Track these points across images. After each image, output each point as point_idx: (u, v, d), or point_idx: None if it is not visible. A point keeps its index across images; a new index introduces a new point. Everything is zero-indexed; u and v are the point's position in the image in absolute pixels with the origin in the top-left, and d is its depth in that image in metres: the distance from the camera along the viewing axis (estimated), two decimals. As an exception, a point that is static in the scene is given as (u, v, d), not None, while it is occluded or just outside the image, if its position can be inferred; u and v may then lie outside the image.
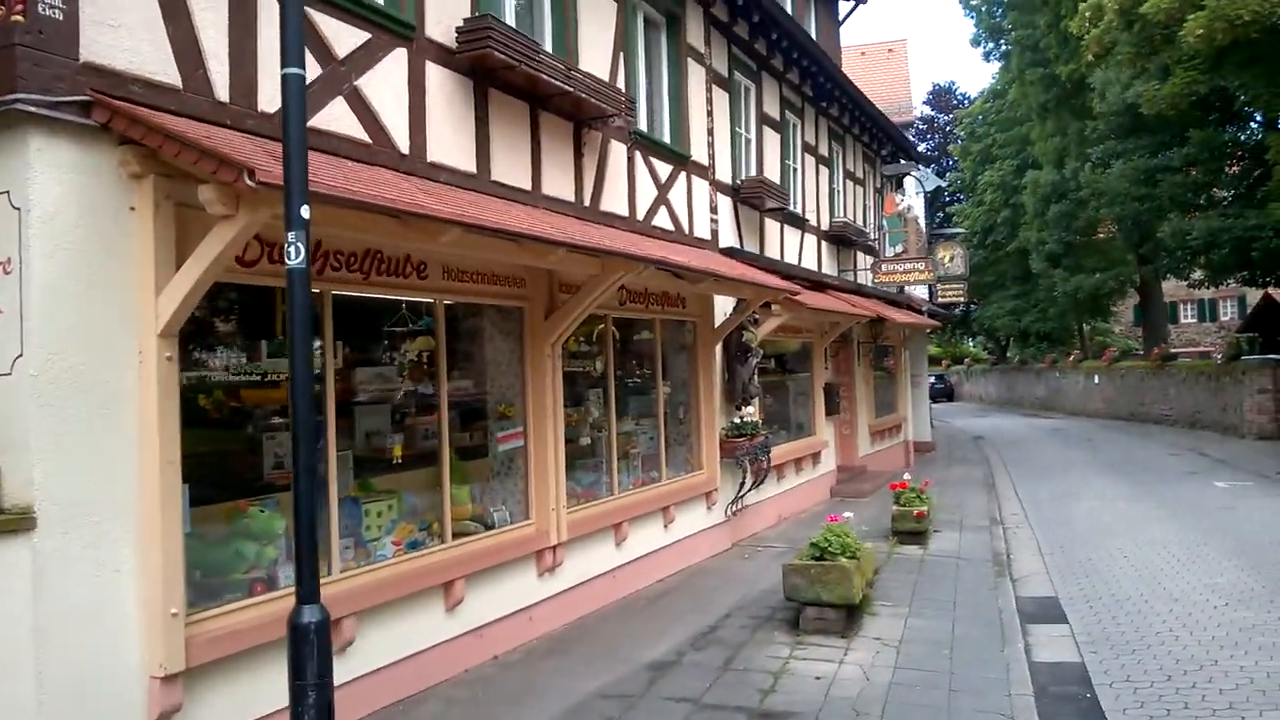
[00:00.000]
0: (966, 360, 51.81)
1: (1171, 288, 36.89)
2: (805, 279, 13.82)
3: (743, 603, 8.44)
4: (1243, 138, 25.85)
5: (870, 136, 18.05)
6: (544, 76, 7.09)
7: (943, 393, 49.14)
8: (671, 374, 10.29)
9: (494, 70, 6.86)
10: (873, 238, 16.77)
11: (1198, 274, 28.46)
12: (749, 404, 10.97)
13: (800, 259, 14.16)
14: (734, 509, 11.01)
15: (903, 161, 17.40)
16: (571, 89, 7.42)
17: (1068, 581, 9.38)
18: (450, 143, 6.65)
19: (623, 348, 9.39)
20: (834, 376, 15.70)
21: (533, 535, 7.37)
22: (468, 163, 6.81)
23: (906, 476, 11.82)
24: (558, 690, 6.25)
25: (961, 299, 24.57)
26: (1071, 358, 37.05)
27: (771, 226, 13.07)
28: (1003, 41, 36.22)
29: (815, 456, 14.25)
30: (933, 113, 54.18)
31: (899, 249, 15.59)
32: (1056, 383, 38.31)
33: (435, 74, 6.53)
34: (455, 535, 6.76)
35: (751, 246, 12.31)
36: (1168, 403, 28.60)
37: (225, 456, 5.50)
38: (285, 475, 5.74)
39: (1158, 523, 12.41)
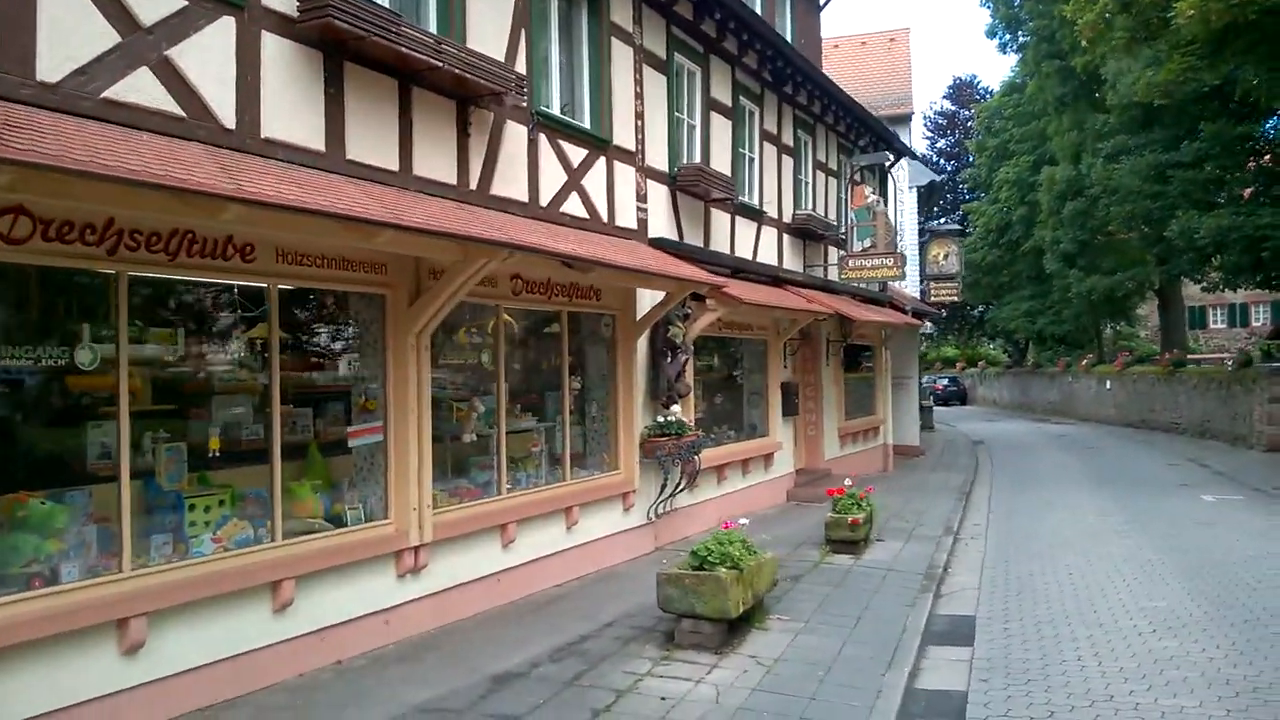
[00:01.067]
0: (981, 363, 50.69)
1: (1199, 292, 35.61)
2: (759, 274, 13.32)
3: (634, 610, 7.98)
4: (1268, 128, 24.71)
5: (846, 127, 17.43)
6: (404, 50, 6.66)
7: (955, 395, 48.15)
8: (585, 369, 9.85)
9: (346, 42, 6.45)
10: (844, 232, 16.18)
11: (1214, 276, 27.47)
12: (675, 402, 10.49)
13: (756, 253, 13.64)
14: (660, 511, 10.55)
15: (879, 152, 16.76)
16: (442, 64, 6.99)
17: (996, 599, 8.83)
18: (292, 119, 6.25)
19: (522, 340, 8.97)
20: (794, 376, 15.15)
21: (391, 535, 6.97)
22: (315, 140, 6.41)
23: (847, 481, 11.27)
24: (384, 699, 5.86)
25: (955, 298, 23.88)
26: (1085, 362, 36.00)
27: (720, 218, 12.57)
28: (1020, 32, 35.26)
29: (768, 458, 13.72)
30: (954, 107, 53.13)
31: (867, 243, 15.00)
32: (1069, 387, 37.30)
33: (274, 45, 6.13)
34: (298, 534, 6.40)
35: (694, 238, 11.82)
36: (1178, 410, 27.64)
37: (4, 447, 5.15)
38: (75, 467, 5.44)
39: (1123, 538, 11.78)
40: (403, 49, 6.66)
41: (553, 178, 8.93)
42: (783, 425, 14.30)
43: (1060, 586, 9.25)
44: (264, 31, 6.08)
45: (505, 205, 8.22)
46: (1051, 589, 9.15)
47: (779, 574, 9.35)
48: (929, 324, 31.08)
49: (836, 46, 29.67)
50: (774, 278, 13.94)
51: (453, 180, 7.66)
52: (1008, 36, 36.14)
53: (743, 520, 7.83)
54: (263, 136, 6.05)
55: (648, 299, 10.21)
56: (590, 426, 9.86)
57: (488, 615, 7.83)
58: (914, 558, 10.37)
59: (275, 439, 6.21)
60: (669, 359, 10.45)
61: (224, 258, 5.85)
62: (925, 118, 54.98)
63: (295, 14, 6.22)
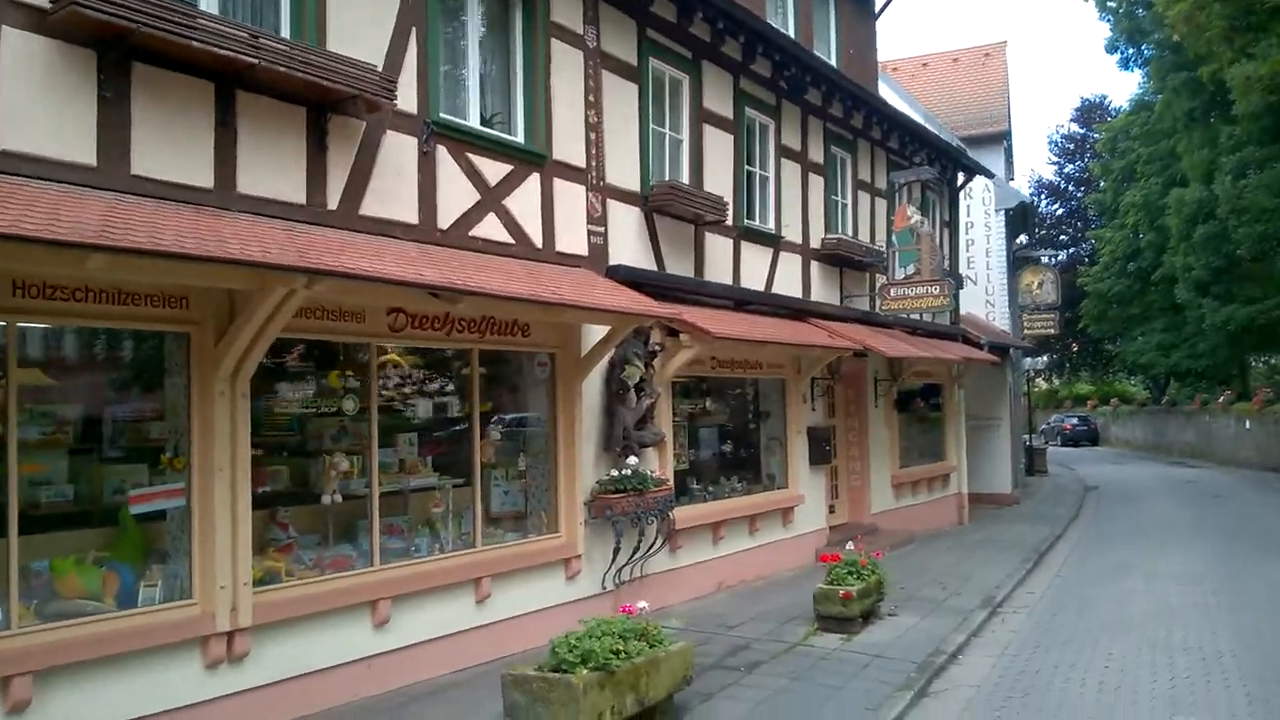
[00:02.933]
0: (1113, 401, 46.39)
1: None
2: (776, 307, 11.81)
3: (523, 710, 6.58)
4: None
5: (899, 143, 15.67)
6: (199, 44, 5.65)
7: (1085, 435, 44.22)
8: (515, 415, 8.58)
9: (123, 37, 5.49)
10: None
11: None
12: (635, 453, 9.05)
13: (771, 283, 12.10)
14: (621, 578, 9.10)
15: (920, 167, 14.84)
16: (259, 61, 5.95)
17: (993, 704, 6.97)
18: (46, 129, 5.30)
19: (420, 384, 7.79)
20: (828, 419, 13.41)
21: (194, 619, 5.83)
22: (82, 154, 5.45)
23: (850, 546, 9.55)
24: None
25: (1052, 331, 21.41)
26: (1222, 399, 32.12)
27: (717, 244, 11.12)
28: (1144, 45, 32.25)
29: (786, 514, 12.04)
30: (1081, 129, 49.57)
31: (910, 270, 13.21)
32: (1206, 427, 33.35)
33: (20, 42, 5.21)
34: (65, 616, 5.37)
35: (680, 267, 10.43)
36: (1325, 455, 24.04)
37: None
38: None
39: (1200, 617, 9.55)
40: (195, 43, 5.64)
41: (458, 197, 7.78)
42: (809, 475, 12.59)
43: (1084, 686, 7.29)
44: (5, 27, 5.18)
45: (383, 228, 7.11)
46: (1072, 690, 7.21)
47: (738, 660, 7.88)
48: (1038, 359, 28.25)
49: (926, 65, 27.73)
50: (797, 310, 12.37)
51: (300, 199, 6.59)
52: (1130, 50, 33.20)
53: (642, 605, 6.37)
54: None
55: (597, 336, 8.87)
56: (522, 483, 8.56)
57: (344, 710, 6.57)
58: (921, 640, 8.53)
59: (11, 502, 5.18)
60: (626, 403, 9.07)
61: (-74, 290, 4.91)
62: (1050, 141, 51.71)
63: (48, 5, 5.31)
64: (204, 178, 6.04)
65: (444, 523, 7.70)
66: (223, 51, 5.78)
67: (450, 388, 7.99)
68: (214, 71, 5.99)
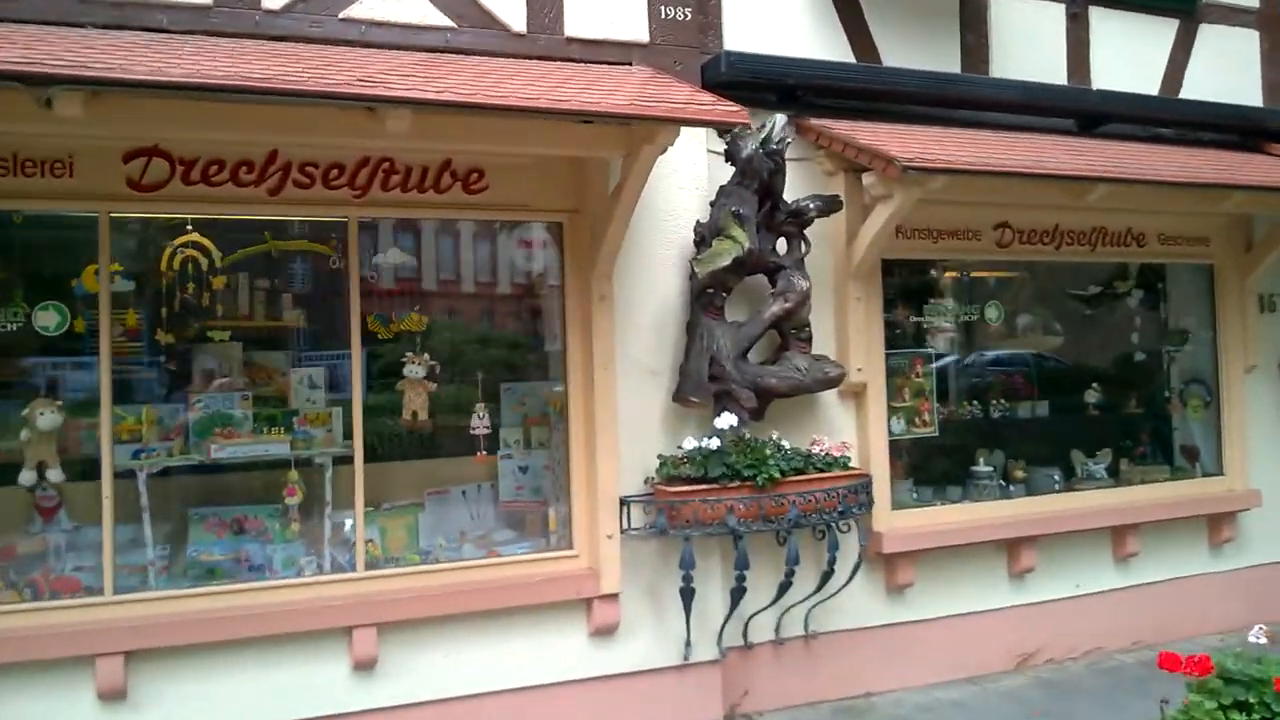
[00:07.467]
0: None
1: None
2: (1176, 123, 6.29)
3: None
4: None
5: None
6: None
7: None
8: (466, 337, 4.91)
9: None
10: None
11: None
12: (737, 408, 4.70)
13: (1176, 83, 6.44)
14: (747, 640, 4.97)
15: None
16: None
17: None
18: None
19: (230, 284, 4.51)
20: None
21: None
22: None
23: (1258, 634, 4.09)
24: None
25: None
26: None
27: (1019, 14, 5.95)
28: None
29: (1215, 525, 6.30)
30: None
31: None
32: None
33: None
34: None
35: (925, 58, 5.62)
36: None
37: None
38: None
39: None
40: None
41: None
42: (1274, 454, 6.60)
43: None
44: None
45: (122, 15, 4.06)
46: None
47: None
48: None
49: None
50: (1248, 130, 6.51)
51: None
52: None
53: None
54: None
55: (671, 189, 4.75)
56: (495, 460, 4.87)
57: None
58: None
59: None
60: (713, 310, 4.77)
61: None
62: None
63: None
64: None
65: (300, 524, 4.43)
66: None
67: (309, 291, 4.63)
68: None
